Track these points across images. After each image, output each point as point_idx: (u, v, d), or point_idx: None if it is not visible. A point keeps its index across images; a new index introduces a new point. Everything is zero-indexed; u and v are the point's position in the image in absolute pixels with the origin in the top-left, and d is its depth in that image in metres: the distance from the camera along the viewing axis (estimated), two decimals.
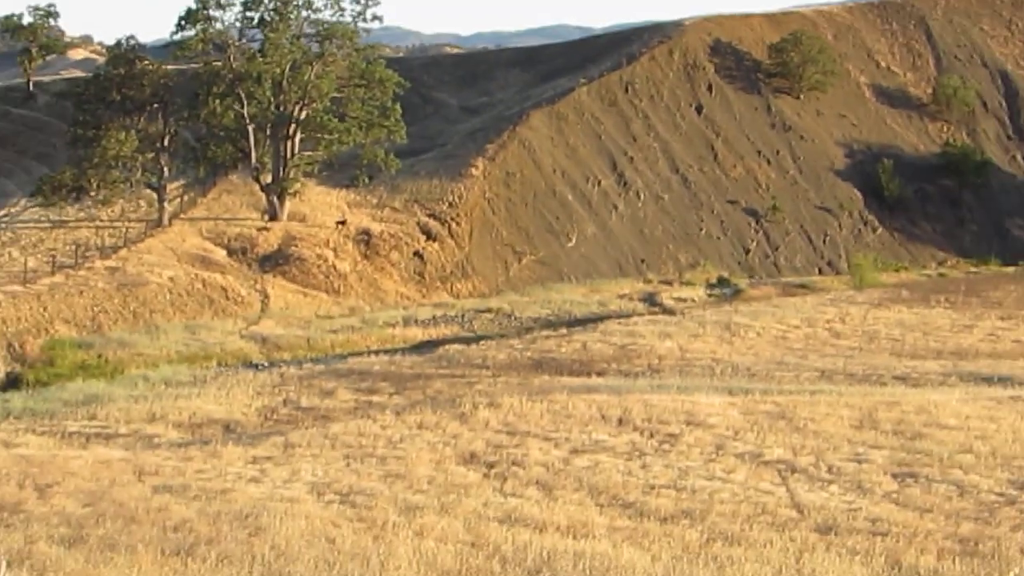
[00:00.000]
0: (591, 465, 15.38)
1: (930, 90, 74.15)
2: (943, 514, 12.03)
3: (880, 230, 65.50)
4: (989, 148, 70.16)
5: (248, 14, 51.02)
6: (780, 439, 17.19)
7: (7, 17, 65.46)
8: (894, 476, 14.39)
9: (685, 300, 50.45)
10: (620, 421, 18.96)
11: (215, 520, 11.15)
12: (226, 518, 11.29)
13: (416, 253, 52.39)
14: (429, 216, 53.63)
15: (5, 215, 51.98)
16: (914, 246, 65.75)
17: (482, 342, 38.45)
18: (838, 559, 9.54)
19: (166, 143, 50.05)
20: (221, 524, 10.91)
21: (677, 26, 73.49)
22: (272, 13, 50.82)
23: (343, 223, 54.56)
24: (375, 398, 25.85)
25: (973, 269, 60.76)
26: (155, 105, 50.35)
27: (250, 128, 50.07)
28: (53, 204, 49.82)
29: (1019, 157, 71.92)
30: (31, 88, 68.24)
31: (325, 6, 51.82)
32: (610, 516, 11.93)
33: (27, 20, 65.25)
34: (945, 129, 71.91)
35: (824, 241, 63.58)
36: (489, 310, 47.26)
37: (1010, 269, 58.27)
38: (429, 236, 52.95)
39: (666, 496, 13.01)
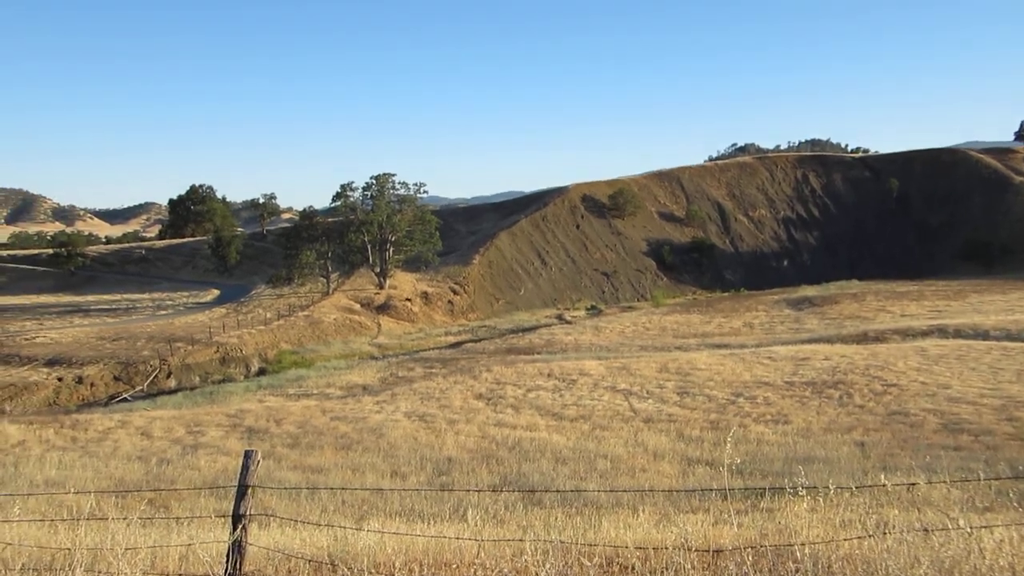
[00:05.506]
0: (536, 396, 22.52)
1: (684, 213, 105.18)
2: (701, 410, 18.69)
3: (665, 279, 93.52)
4: (712, 238, 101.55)
5: (365, 193, 78.75)
6: (624, 379, 24.44)
7: (254, 201, 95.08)
8: (678, 393, 21.57)
9: (576, 317, 72.74)
10: (548, 375, 26.48)
11: (360, 432, 17.29)
12: (365, 430, 17.43)
13: (449, 301, 78.11)
14: (455, 283, 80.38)
15: (255, 293, 77.23)
16: (681, 286, 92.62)
17: (481, 341, 56.12)
18: (654, 434, 15.91)
19: (329, 255, 75.01)
20: (362, 433, 17.16)
21: (565, 188, 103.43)
22: (376, 191, 78.38)
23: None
24: (433, 370, 35.55)
25: (709, 296, 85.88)
26: (323, 238, 75.21)
27: (368, 246, 76.30)
28: (277, 287, 75.33)
29: (727, 242, 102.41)
30: (264, 233, 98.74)
31: (401, 187, 79.93)
32: (546, 420, 17.82)
33: (261, 200, 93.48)
34: (693, 231, 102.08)
35: (639, 285, 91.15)
36: (484, 326, 68.38)
37: (726, 294, 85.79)
38: (455, 292, 79.24)
39: (571, 409, 19.38)
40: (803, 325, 52.41)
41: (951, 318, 46.32)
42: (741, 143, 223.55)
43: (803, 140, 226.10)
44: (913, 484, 6.17)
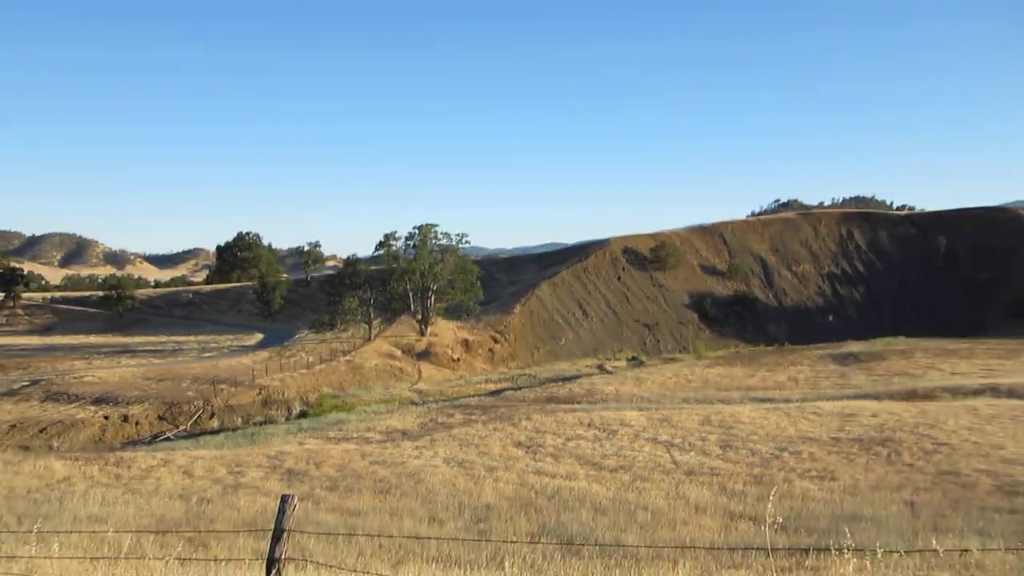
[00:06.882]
0: (575, 445, 22.65)
1: (726, 266, 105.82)
2: (744, 464, 18.57)
3: (707, 331, 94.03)
4: (755, 291, 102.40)
5: (408, 242, 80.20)
6: (665, 430, 24.63)
7: (299, 248, 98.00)
8: (720, 447, 21.59)
9: (616, 367, 73.31)
10: (588, 424, 26.75)
11: (399, 476, 17.63)
12: (403, 475, 17.77)
13: (490, 349, 79.10)
14: (496, 331, 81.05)
15: (298, 338, 77.46)
16: (723, 339, 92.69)
17: (521, 390, 56.58)
18: (696, 487, 15.73)
19: (371, 302, 75.68)
20: (401, 478, 17.43)
21: (607, 241, 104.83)
22: (419, 240, 79.47)
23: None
24: (473, 416, 35.81)
25: (752, 349, 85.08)
26: (366, 285, 76.20)
27: (410, 294, 77.22)
28: (320, 331, 76.14)
29: (771, 296, 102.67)
30: (308, 279, 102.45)
31: (443, 237, 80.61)
32: (586, 470, 18.05)
33: (306, 248, 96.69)
34: (735, 284, 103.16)
35: (681, 337, 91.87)
36: (525, 374, 69.13)
37: (769, 348, 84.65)
38: (496, 341, 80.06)
39: (612, 459, 19.51)
40: (849, 381, 51.14)
41: (1004, 377, 44.95)
42: (784, 199, 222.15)
43: (847, 197, 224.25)
44: (965, 551, 5.89)
